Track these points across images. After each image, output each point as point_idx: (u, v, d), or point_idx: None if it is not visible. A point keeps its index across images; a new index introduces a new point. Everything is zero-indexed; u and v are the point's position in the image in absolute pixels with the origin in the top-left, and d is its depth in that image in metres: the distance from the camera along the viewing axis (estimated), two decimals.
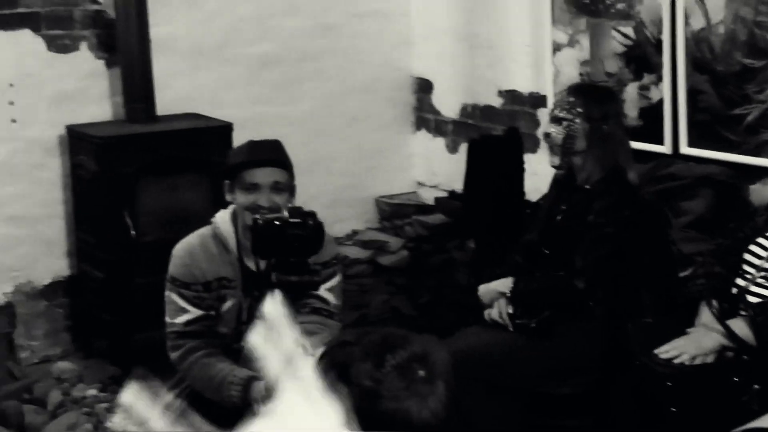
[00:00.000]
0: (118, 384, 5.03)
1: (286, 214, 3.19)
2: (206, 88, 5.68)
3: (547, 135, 4.00)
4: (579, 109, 3.91)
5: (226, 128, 5.30)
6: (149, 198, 5.18)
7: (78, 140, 5.26)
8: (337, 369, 1.88)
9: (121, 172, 5.06)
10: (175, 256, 3.56)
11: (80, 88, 5.38)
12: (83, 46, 5.39)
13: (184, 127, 5.34)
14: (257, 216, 3.27)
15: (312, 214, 3.23)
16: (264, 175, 3.46)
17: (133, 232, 5.03)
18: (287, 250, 3.14)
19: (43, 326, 5.44)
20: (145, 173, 5.14)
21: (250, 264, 3.54)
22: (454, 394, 1.89)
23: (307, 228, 3.17)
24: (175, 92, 5.52)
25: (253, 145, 3.58)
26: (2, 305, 5.36)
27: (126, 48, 5.25)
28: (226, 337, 3.56)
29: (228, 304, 3.53)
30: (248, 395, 3.39)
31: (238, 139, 4.95)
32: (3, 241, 5.30)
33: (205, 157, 5.17)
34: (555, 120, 3.96)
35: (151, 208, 5.18)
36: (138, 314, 4.99)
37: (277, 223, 3.16)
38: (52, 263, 5.46)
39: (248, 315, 3.49)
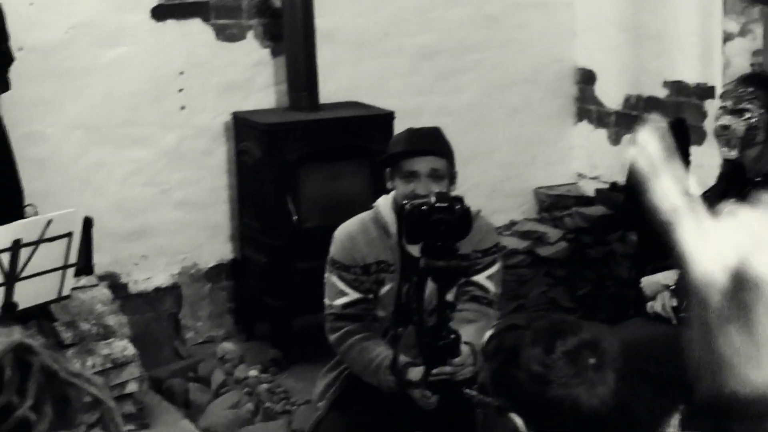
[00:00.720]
0: (278, 366, 5.15)
1: (433, 199, 3.20)
2: (368, 78, 5.74)
3: (725, 127, 3.86)
4: (759, 101, 3.80)
5: (387, 117, 5.35)
6: (311, 185, 5.26)
7: (243, 127, 5.39)
8: (505, 353, 1.87)
9: (284, 158, 5.16)
10: (336, 239, 3.61)
11: (246, 76, 5.51)
12: (250, 35, 5.51)
13: (346, 116, 5.42)
14: (405, 201, 3.29)
15: (459, 199, 3.23)
16: (422, 164, 3.48)
17: (295, 218, 5.12)
18: (434, 235, 3.15)
19: (207, 308, 5.59)
20: (307, 160, 5.23)
21: (411, 249, 3.56)
22: (625, 383, 1.86)
23: (454, 213, 3.17)
24: (338, 81, 5.60)
25: (411, 134, 3.59)
26: (169, 286, 5.53)
27: (291, 37, 5.35)
28: (383, 320, 3.59)
29: (386, 288, 3.56)
30: (405, 382, 3.41)
31: (399, 128, 4.99)
32: (171, 225, 5.47)
33: (367, 145, 5.23)
34: (734, 112, 3.84)
35: (313, 194, 5.26)
36: (299, 299, 5.09)
37: (424, 207, 3.17)
38: (216, 247, 5.61)
39: (406, 299, 3.51)
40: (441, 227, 3.14)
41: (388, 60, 5.79)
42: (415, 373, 3.39)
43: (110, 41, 5.19)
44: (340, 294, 3.57)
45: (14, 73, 4.61)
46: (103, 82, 5.20)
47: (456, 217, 3.16)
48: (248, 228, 5.46)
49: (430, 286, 3.54)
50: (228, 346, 5.33)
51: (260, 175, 5.25)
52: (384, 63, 5.78)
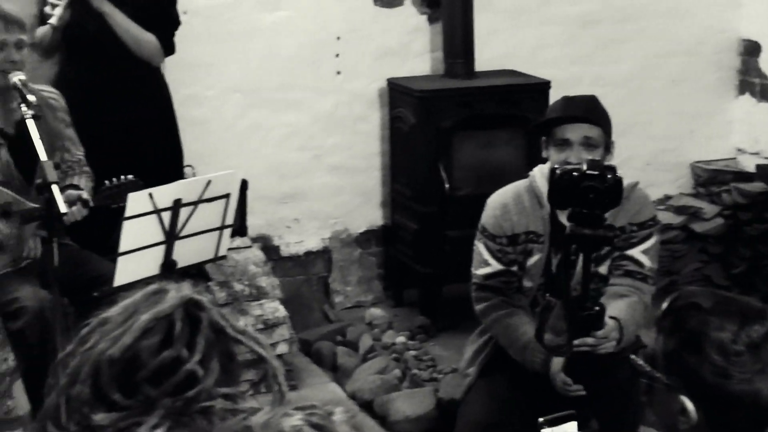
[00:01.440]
0: (426, 333, 5.15)
1: (584, 166, 3.14)
2: (525, 46, 5.67)
3: None
4: None
5: (543, 86, 5.28)
6: (464, 152, 5.24)
7: (398, 93, 5.39)
8: (686, 334, 1.79)
9: (438, 126, 5.15)
10: (488, 206, 3.59)
11: (403, 42, 5.51)
12: (408, 1, 5.50)
13: (502, 84, 5.36)
14: (556, 166, 3.24)
15: (612, 169, 3.16)
16: (575, 131, 3.42)
17: (447, 186, 5.11)
18: (581, 202, 3.10)
19: (356, 273, 5.63)
20: (461, 128, 5.20)
21: (563, 219, 3.51)
22: None
23: (605, 181, 3.11)
24: (494, 49, 5.54)
25: (567, 101, 3.55)
26: (321, 250, 5.59)
27: (450, 4, 5.32)
28: (530, 291, 3.56)
29: (534, 259, 3.52)
30: (549, 362, 3.39)
31: (555, 98, 4.90)
32: (324, 190, 5.52)
33: (521, 114, 5.18)
34: None
35: (466, 162, 5.24)
36: (448, 266, 5.09)
37: (575, 174, 3.12)
38: (367, 213, 5.64)
39: (556, 270, 3.47)
40: (590, 195, 3.09)
41: (546, 28, 5.71)
42: (556, 363, 3.37)
43: (271, 5, 5.25)
44: (483, 264, 3.56)
45: (178, 36, 4.70)
46: (262, 46, 5.27)
47: (606, 186, 3.10)
48: (400, 195, 5.47)
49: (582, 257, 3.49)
50: (376, 312, 5.36)
51: (414, 141, 5.25)
52: (542, 31, 5.70)
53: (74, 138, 4.18)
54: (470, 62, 5.36)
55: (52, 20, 4.35)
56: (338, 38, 5.40)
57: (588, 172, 3.11)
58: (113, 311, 1.51)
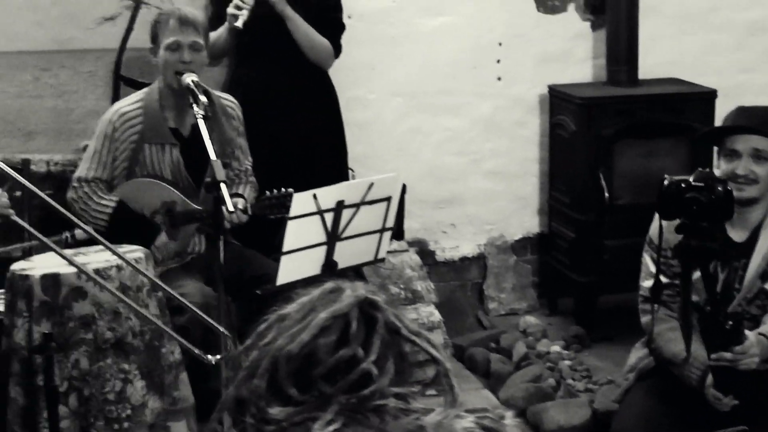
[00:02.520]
0: (581, 343, 5.09)
1: (692, 177, 3.08)
2: (690, 54, 5.55)
3: None
4: None
5: (709, 95, 5.16)
6: (626, 161, 5.16)
7: (559, 100, 5.34)
8: None
9: (599, 133, 5.08)
10: (655, 217, 3.52)
11: (565, 48, 5.46)
12: (571, 7, 5.45)
13: (666, 92, 5.27)
14: (666, 176, 3.19)
15: (722, 181, 3.08)
16: (745, 142, 3.36)
17: (606, 195, 5.04)
18: (686, 213, 3.03)
19: (511, 280, 5.60)
20: (623, 136, 5.12)
21: (732, 234, 3.42)
22: None
23: (713, 193, 3.03)
24: (659, 56, 5.44)
25: (740, 111, 3.49)
26: (476, 256, 5.58)
27: (614, 10, 5.25)
28: (697, 305, 3.47)
29: (699, 273, 3.44)
30: (706, 379, 3.32)
31: (721, 107, 4.80)
32: (481, 195, 5.51)
33: (686, 123, 5.08)
34: None
35: (627, 171, 5.16)
36: (606, 276, 5.02)
37: (682, 185, 3.06)
38: (524, 219, 5.60)
39: (724, 286, 3.40)
40: (693, 206, 3.02)
41: (713, 35, 5.57)
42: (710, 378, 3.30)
43: (434, 11, 5.27)
44: (649, 276, 3.50)
45: (343, 39, 4.76)
46: (424, 50, 5.29)
47: (713, 199, 3.03)
48: (557, 202, 5.42)
49: (750, 272, 3.40)
50: (531, 320, 5.32)
51: (573, 148, 5.19)
52: (708, 38, 5.57)
53: (245, 148, 4.28)
54: (634, 69, 5.28)
55: (238, 22, 4.42)
56: (500, 44, 5.38)
57: (694, 183, 3.06)
58: (291, 308, 1.53)
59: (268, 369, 1.48)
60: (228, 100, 4.23)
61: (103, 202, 4.01)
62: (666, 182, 3.13)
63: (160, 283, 3.46)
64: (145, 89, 4.17)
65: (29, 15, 4.79)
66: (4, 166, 3.12)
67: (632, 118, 5.14)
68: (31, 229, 3.23)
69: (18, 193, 4.38)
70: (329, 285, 1.54)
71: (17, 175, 3.19)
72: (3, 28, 4.77)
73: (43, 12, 4.81)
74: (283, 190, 3.90)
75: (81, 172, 4.06)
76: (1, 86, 4.83)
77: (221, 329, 3.25)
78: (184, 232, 4.06)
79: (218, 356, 3.12)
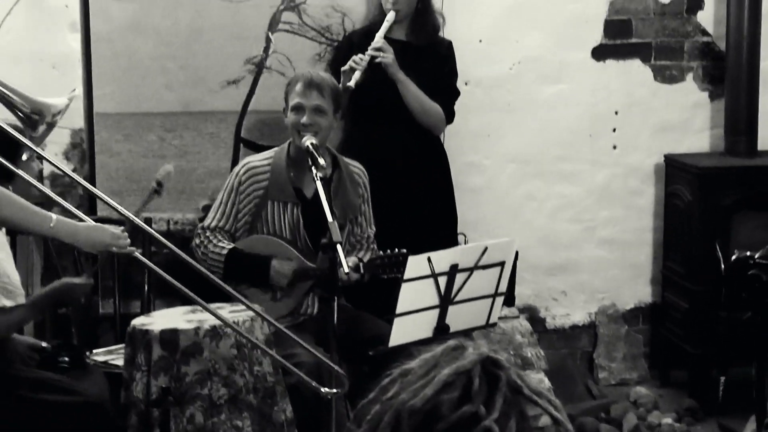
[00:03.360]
0: (694, 417, 5.00)
1: (758, 254, 3.03)
2: None
3: None
4: None
5: None
6: (743, 232, 5.08)
7: (675, 169, 5.30)
8: None
9: (717, 204, 5.03)
10: None
11: (682, 118, 5.43)
12: (689, 77, 5.43)
13: None
14: (736, 251, 3.14)
15: None
16: None
17: (722, 266, 4.96)
18: (748, 289, 2.98)
19: (622, 349, 5.54)
20: (741, 207, 5.06)
21: None
22: None
23: None
24: None
25: None
26: (586, 324, 5.53)
27: (734, 80, 5.21)
28: None
29: None
30: None
31: None
32: (593, 263, 5.48)
33: None
34: None
35: (745, 242, 5.03)
36: (721, 348, 4.93)
37: (749, 261, 3.01)
38: (636, 289, 5.55)
39: None
40: (755, 284, 2.97)
41: None
42: None
43: (551, 78, 5.31)
44: None
45: (458, 105, 4.82)
46: (541, 117, 5.32)
47: None
48: (671, 272, 5.36)
49: None
50: (641, 391, 5.24)
51: (690, 219, 5.14)
52: None
53: (369, 215, 4.33)
54: (753, 140, 5.23)
55: (351, 82, 4.52)
56: (616, 112, 5.38)
57: (758, 260, 3.01)
58: (414, 364, 1.55)
59: (390, 423, 1.51)
60: (355, 166, 4.30)
61: (221, 244, 4.11)
62: (734, 256, 3.10)
63: (264, 348, 3.51)
64: (276, 148, 4.28)
65: (158, 78, 4.97)
66: (136, 219, 3.23)
67: (751, 189, 5.08)
68: (152, 267, 3.31)
69: (139, 251, 4.51)
70: (452, 342, 1.56)
71: (148, 227, 3.27)
72: (133, 90, 4.95)
73: (172, 75, 4.98)
74: (396, 250, 3.94)
75: (206, 221, 4.20)
76: (127, 146, 4.99)
77: (336, 368, 3.28)
78: (300, 290, 4.12)
79: (334, 390, 3.17)
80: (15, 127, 3.28)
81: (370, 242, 4.32)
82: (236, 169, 4.22)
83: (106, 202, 3.27)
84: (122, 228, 3.25)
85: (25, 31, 4.84)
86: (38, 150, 3.42)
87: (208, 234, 4.14)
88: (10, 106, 3.16)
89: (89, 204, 4.91)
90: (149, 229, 3.38)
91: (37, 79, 4.67)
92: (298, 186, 4.18)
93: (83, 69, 4.94)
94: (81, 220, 3.23)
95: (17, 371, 3.61)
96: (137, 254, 3.32)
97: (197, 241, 4.16)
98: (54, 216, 3.10)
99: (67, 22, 4.91)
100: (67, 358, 3.79)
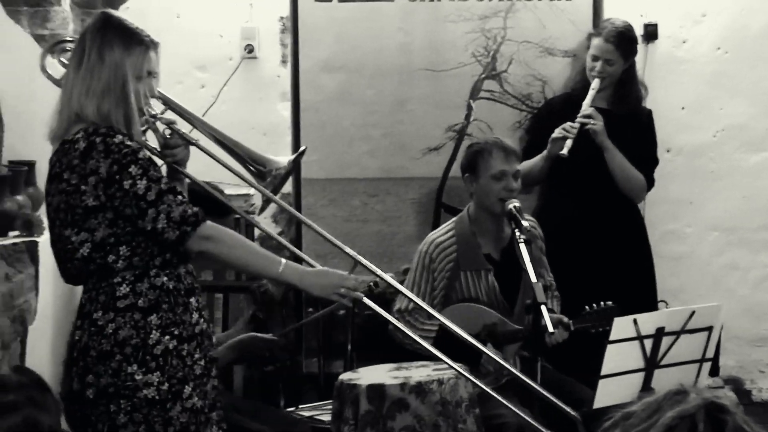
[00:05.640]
0: None
1: None
2: None
3: None
4: None
5: None
6: None
7: None
8: None
9: None
10: None
11: None
12: None
13: None
14: None
15: None
16: None
17: None
18: None
19: None
20: None
21: None
22: None
23: None
24: None
25: None
26: None
27: None
28: None
29: None
30: None
31: None
32: None
33: None
34: None
35: None
36: None
37: None
38: None
39: None
40: None
41: None
42: None
43: (755, 146, 5.24)
44: None
45: (660, 173, 4.80)
46: (745, 185, 5.24)
47: None
48: None
49: None
50: None
51: None
52: None
53: (546, 264, 4.37)
54: None
55: (564, 150, 4.57)
56: None
57: None
58: (636, 407, 1.57)
59: None
60: (530, 220, 4.33)
61: (425, 327, 4.16)
62: None
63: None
64: (454, 218, 4.34)
65: (362, 145, 5.13)
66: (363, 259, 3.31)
67: None
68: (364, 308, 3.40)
69: (341, 312, 4.64)
70: (674, 387, 1.58)
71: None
72: (338, 157, 5.13)
73: (375, 142, 5.14)
74: (602, 303, 3.94)
75: (402, 304, 4.20)
76: (332, 210, 5.15)
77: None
78: (507, 352, 4.15)
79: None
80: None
81: (553, 290, 4.35)
82: (422, 248, 4.26)
83: (310, 265, 3.33)
84: (349, 272, 3.24)
85: (240, 100, 5.09)
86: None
87: (408, 318, 4.19)
88: (239, 157, 3.31)
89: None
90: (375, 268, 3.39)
91: (249, 145, 4.88)
92: (486, 252, 4.23)
93: (292, 136, 5.15)
94: (311, 265, 3.25)
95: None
96: (366, 300, 3.28)
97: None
98: (283, 260, 3.11)
99: (278, 92, 5.14)
100: None
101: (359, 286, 3.20)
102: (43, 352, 4.20)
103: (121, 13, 4.86)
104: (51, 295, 3.85)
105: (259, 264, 3.10)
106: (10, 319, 3.95)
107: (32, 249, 3.87)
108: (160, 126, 3.15)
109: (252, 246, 3.17)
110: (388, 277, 3.38)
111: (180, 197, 2.99)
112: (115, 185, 2.93)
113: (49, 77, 3.32)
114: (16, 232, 4.08)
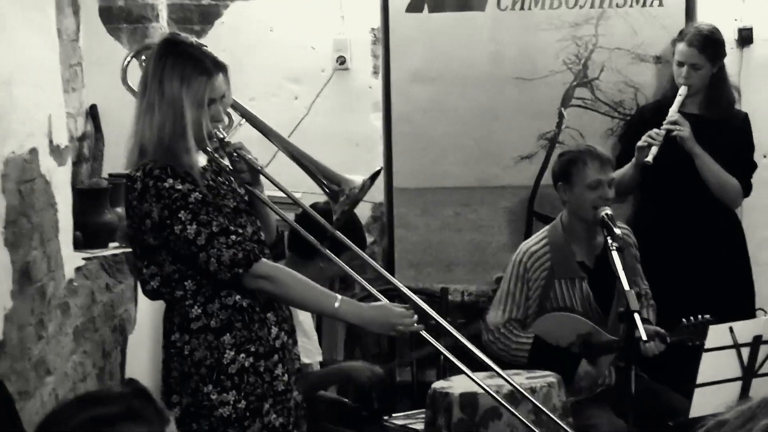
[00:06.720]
0: None
1: None
2: None
3: None
4: None
5: None
6: None
7: None
8: None
9: None
10: None
11: None
12: None
13: None
14: None
15: None
16: None
17: None
18: None
19: None
20: None
21: None
22: None
23: None
24: None
25: None
26: None
27: None
28: None
29: None
30: None
31: None
32: None
33: None
34: None
35: None
36: None
37: None
38: None
39: None
40: None
41: None
42: None
43: None
44: None
45: (756, 178, 4.74)
46: None
47: None
48: None
49: None
50: None
51: None
52: None
53: (641, 272, 4.35)
54: None
55: (648, 158, 4.55)
56: None
57: None
58: (729, 415, 1.57)
59: None
60: (623, 228, 4.30)
61: (521, 340, 4.16)
62: None
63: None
64: (547, 227, 4.34)
65: (455, 154, 5.15)
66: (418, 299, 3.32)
67: None
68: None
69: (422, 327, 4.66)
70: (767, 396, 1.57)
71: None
72: (431, 167, 5.15)
73: (467, 151, 5.15)
74: (700, 317, 3.92)
75: (496, 316, 4.21)
76: (426, 220, 5.18)
77: None
78: (602, 362, 4.13)
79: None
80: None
81: (648, 299, 4.34)
82: (515, 257, 4.26)
83: (388, 278, 3.35)
84: (407, 305, 3.21)
85: (332, 111, 5.14)
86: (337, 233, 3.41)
87: (502, 330, 4.19)
88: (314, 177, 3.30)
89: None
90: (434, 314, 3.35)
91: (342, 156, 4.93)
92: (580, 260, 4.22)
93: (384, 146, 5.19)
94: (374, 297, 3.26)
95: (321, 427, 3.82)
96: (424, 333, 3.22)
97: (491, 337, 4.19)
98: (339, 297, 3.11)
99: (370, 103, 5.18)
100: (365, 413, 3.97)
101: (416, 320, 3.14)
102: (142, 361, 4.30)
103: (216, 28, 4.98)
104: (149, 305, 3.94)
105: (316, 300, 3.12)
106: (110, 328, 4.06)
107: (131, 260, 3.96)
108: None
109: (308, 283, 3.12)
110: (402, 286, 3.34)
111: (232, 238, 2.99)
112: (167, 229, 2.98)
113: (129, 89, 3.38)
114: (116, 244, 4.19)
